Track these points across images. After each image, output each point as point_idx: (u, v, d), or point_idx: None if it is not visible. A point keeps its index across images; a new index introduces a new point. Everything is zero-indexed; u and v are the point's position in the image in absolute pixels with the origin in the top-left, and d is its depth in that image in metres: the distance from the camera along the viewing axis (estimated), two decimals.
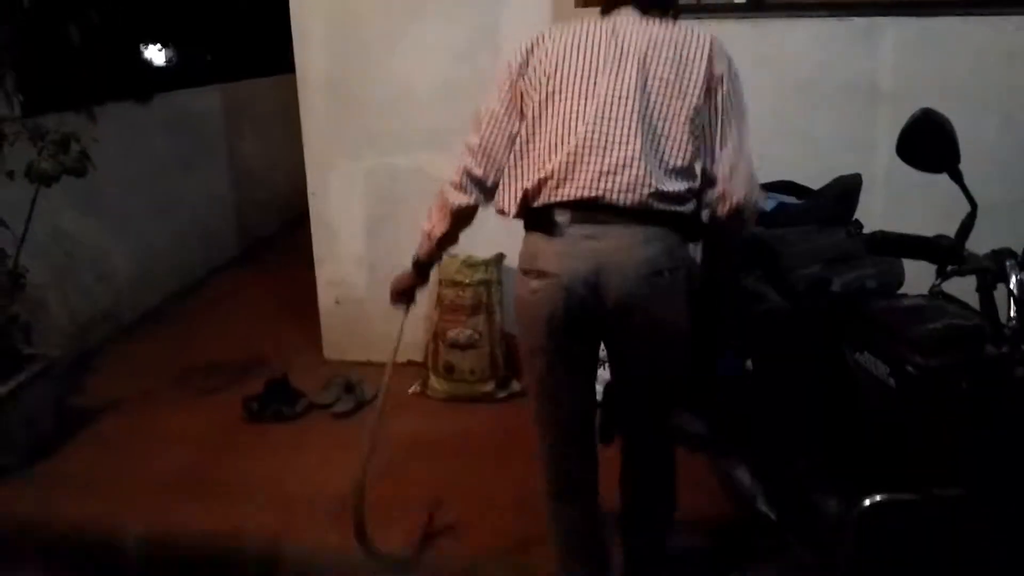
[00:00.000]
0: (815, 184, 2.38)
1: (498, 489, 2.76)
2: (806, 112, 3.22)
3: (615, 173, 1.71)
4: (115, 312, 4.17)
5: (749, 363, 2.25)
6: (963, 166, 1.58)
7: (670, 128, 1.73)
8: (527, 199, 1.82)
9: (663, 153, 1.73)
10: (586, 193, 1.73)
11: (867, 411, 1.75)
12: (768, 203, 2.27)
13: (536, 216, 1.82)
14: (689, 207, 1.78)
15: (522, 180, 1.82)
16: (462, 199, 1.91)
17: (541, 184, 1.78)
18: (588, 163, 1.72)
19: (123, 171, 4.13)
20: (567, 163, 1.74)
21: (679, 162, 1.73)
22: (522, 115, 1.83)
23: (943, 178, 1.62)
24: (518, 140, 1.84)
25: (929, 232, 1.68)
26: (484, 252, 3.34)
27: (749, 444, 2.25)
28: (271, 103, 5.74)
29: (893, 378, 1.66)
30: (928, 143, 1.54)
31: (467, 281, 3.35)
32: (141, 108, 4.37)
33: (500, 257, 3.42)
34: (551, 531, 2.02)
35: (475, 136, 1.88)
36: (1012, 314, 1.54)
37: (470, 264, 3.34)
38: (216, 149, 5.26)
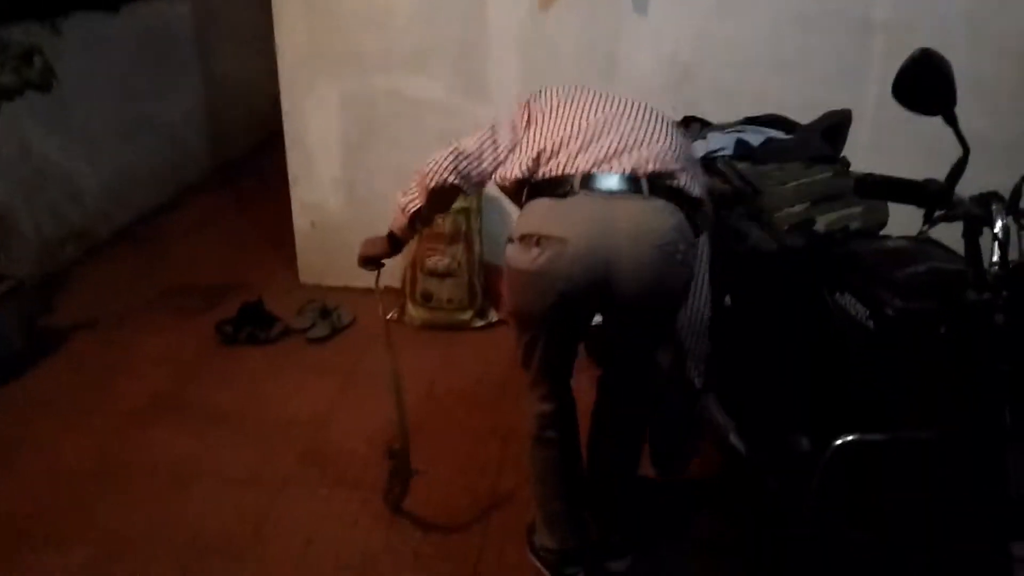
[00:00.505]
0: (804, 118, 2.33)
1: (474, 417, 2.78)
2: (798, 43, 3.13)
3: (628, 151, 1.76)
4: (86, 231, 4.08)
5: (728, 299, 2.24)
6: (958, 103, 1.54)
7: (670, 129, 1.87)
8: (536, 166, 1.80)
9: (668, 144, 1.82)
10: (598, 164, 1.74)
11: (844, 352, 1.75)
12: (755, 137, 2.23)
13: (541, 185, 1.79)
14: (690, 197, 1.82)
15: (536, 146, 1.81)
16: (444, 176, 1.87)
17: (553, 153, 1.78)
18: (601, 140, 1.77)
19: (90, 86, 3.98)
20: (581, 139, 1.77)
21: (682, 153, 1.85)
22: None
23: (930, 118, 1.58)
24: (545, 111, 1.86)
25: (914, 170, 1.64)
26: None
27: (723, 380, 2.26)
28: (246, 14, 5.51)
29: (872, 320, 1.65)
30: (925, 85, 1.49)
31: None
32: (108, 19, 4.17)
33: None
34: (533, 470, 2.02)
35: (474, 144, 1.89)
36: (995, 259, 1.52)
37: None
38: (188, 63, 5.06)
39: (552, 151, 1.79)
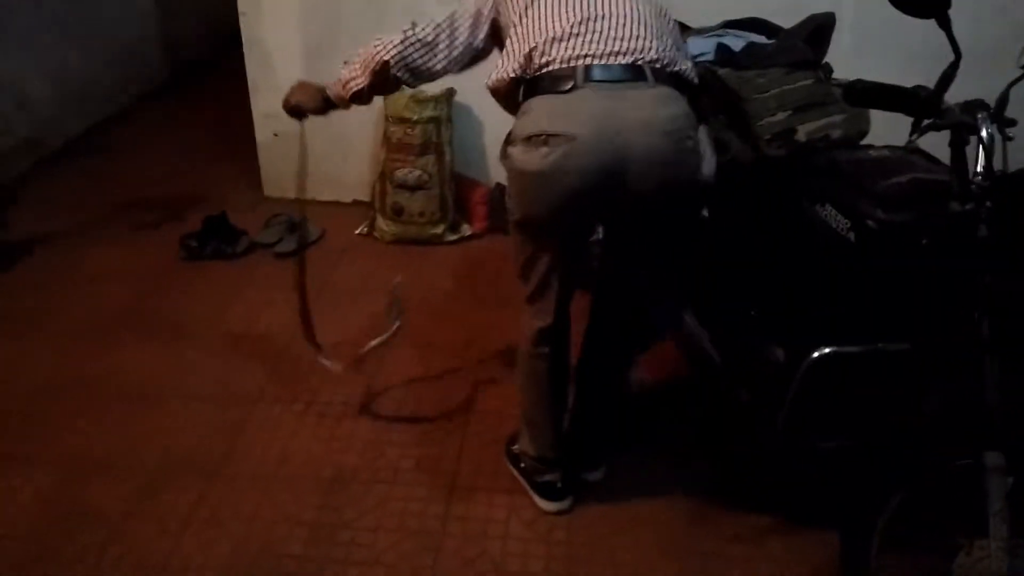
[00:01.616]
0: (786, 22, 2.25)
1: (448, 332, 2.76)
2: None
3: (628, 39, 1.67)
4: (36, 141, 3.90)
5: (705, 211, 2.21)
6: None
7: (662, 14, 1.81)
8: (529, 63, 1.69)
9: (666, 29, 1.77)
10: (599, 56, 1.65)
11: (824, 264, 1.74)
12: (736, 42, 2.15)
13: (538, 82, 1.69)
14: (691, 84, 1.78)
15: (526, 44, 1.70)
16: (388, 64, 1.80)
17: (546, 48, 1.67)
18: (597, 30, 1.68)
19: None
20: (575, 31, 1.67)
21: (677, 38, 1.82)
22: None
23: (913, 22, 1.52)
24: (520, 10, 1.75)
25: (894, 78, 1.59)
26: (433, 87, 3.15)
27: (699, 290, 2.25)
28: None
29: (853, 232, 1.63)
30: None
31: (415, 118, 3.17)
32: None
33: (451, 92, 3.24)
34: (521, 379, 2.01)
35: (429, 32, 1.81)
36: (980, 168, 1.49)
37: (419, 100, 3.15)
38: None
39: (545, 46, 1.68)
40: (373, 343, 2.32)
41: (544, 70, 1.68)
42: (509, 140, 1.72)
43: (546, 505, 2.05)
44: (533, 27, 1.71)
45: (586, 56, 1.65)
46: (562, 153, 1.61)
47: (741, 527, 2.01)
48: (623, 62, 1.65)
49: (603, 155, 1.61)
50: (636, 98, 1.64)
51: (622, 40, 1.67)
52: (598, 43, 1.66)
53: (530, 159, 1.64)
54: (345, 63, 1.88)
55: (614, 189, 1.65)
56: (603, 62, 1.65)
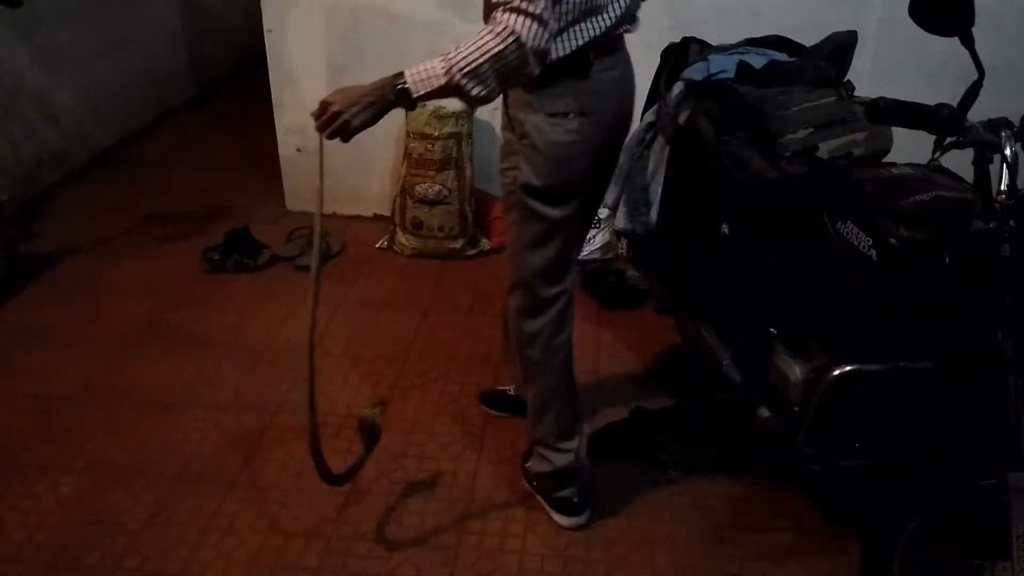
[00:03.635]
0: (807, 40, 2.25)
1: (463, 345, 2.77)
2: None
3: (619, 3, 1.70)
4: (64, 154, 3.96)
5: (725, 227, 2.21)
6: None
7: None
8: (569, 41, 1.66)
9: None
10: (613, 24, 1.69)
11: (845, 283, 1.73)
12: (758, 60, 2.16)
13: (569, 60, 1.67)
14: None
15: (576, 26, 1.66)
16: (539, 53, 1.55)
17: (584, 22, 1.65)
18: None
19: (65, 2, 3.80)
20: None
21: None
22: None
23: (935, 40, 1.52)
24: None
25: (917, 96, 1.59)
26: (454, 103, 3.17)
27: (719, 308, 2.24)
28: None
29: (875, 250, 1.62)
30: (943, 3, 1.43)
31: (436, 134, 3.19)
32: None
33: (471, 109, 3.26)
34: (554, 381, 1.98)
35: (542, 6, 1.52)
36: (1003, 187, 1.48)
37: (440, 116, 3.18)
38: None
39: (582, 20, 1.65)
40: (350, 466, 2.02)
41: (569, 51, 1.67)
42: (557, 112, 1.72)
43: (564, 520, 2.04)
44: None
45: (605, 26, 1.70)
46: (589, 124, 1.75)
47: (760, 546, 1.99)
48: (623, 32, 1.76)
49: (615, 125, 1.83)
50: (627, 63, 1.83)
51: (618, 10, 1.71)
52: (609, 18, 1.69)
53: (565, 129, 1.73)
54: (461, 58, 1.56)
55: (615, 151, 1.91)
56: (614, 36, 1.74)
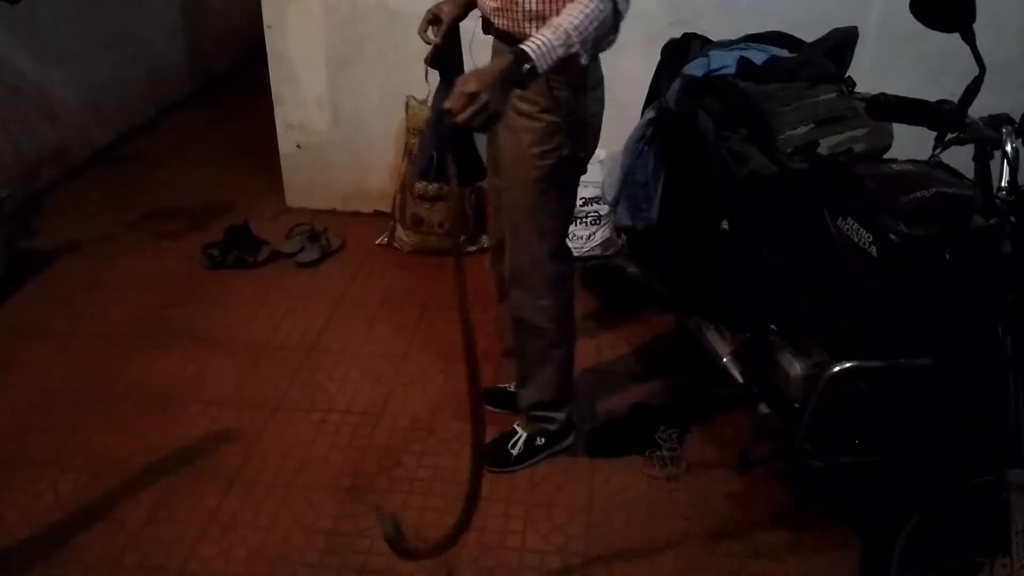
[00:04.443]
0: (807, 36, 2.25)
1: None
2: None
3: None
4: (64, 151, 3.96)
5: (725, 224, 2.20)
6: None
7: None
8: None
9: None
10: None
11: (845, 279, 1.72)
12: (759, 56, 2.15)
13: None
14: None
15: None
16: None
17: None
18: None
19: None
20: None
21: None
22: None
23: (936, 37, 1.51)
24: None
25: (916, 92, 1.59)
26: None
27: (719, 304, 2.24)
28: None
29: (875, 246, 1.62)
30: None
31: None
32: None
33: None
34: (565, 346, 2.15)
35: None
36: (1004, 183, 1.48)
37: None
38: None
39: None
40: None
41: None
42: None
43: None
44: None
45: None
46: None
47: (760, 543, 1.99)
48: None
49: None
50: None
51: None
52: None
53: (599, 100, 1.88)
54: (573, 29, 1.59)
55: None
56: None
